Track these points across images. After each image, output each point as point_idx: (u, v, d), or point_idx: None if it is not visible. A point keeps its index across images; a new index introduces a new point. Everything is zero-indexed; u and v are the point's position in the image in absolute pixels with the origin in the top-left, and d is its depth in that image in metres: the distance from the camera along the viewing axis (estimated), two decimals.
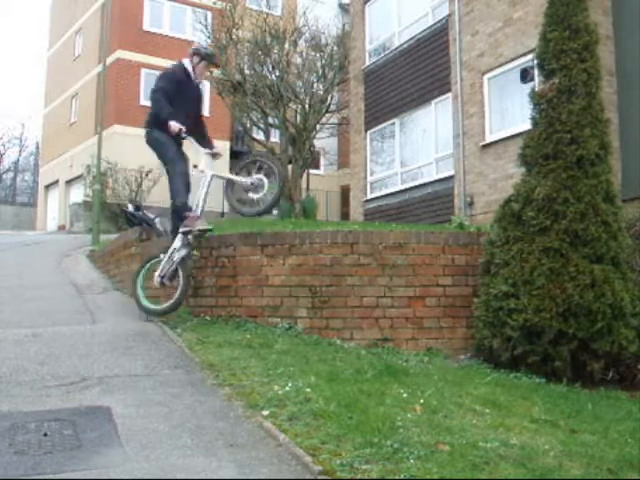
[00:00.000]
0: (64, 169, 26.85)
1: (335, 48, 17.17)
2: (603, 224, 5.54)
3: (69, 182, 26.92)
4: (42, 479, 2.91)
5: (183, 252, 6.14)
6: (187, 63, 6.42)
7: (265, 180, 6.21)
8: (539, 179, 5.74)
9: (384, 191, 14.87)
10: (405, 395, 4.16)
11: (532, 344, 5.41)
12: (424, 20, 14.12)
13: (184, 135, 6.07)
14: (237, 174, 6.44)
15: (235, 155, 22.38)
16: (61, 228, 25.49)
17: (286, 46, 17.06)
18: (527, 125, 6.33)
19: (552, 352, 5.33)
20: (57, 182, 28.20)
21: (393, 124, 14.94)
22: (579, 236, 5.49)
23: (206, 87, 22.95)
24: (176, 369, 4.65)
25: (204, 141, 6.45)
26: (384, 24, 15.56)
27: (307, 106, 16.90)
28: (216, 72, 17.29)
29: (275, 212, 6.61)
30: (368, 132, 15.73)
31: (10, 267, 10.00)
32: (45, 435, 3.36)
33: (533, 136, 5.97)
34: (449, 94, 13.05)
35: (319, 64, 17.24)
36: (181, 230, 6.13)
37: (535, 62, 6.37)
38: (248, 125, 20.33)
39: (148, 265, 6.46)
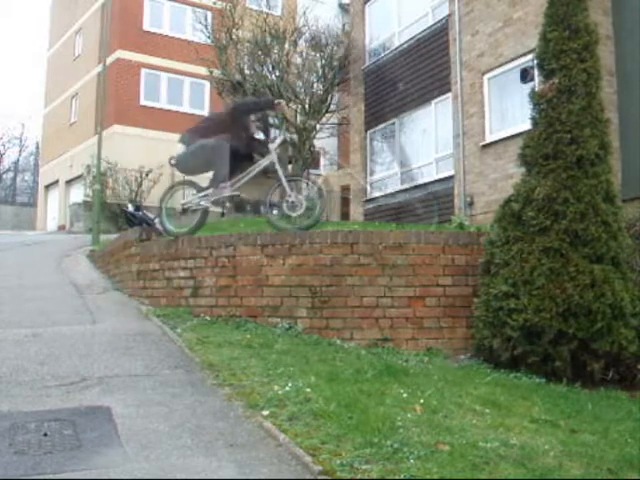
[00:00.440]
0: (64, 169, 26.82)
1: (335, 48, 17.16)
2: (603, 224, 5.54)
3: (69, 182, 26.89)
4: (42, 479, 2.92)
5: (207, 205, 7.04)
6: None
7: (304, 203, 6.77)
8: (539, 179, 5.74)
9: (384, 191, 14.88)
10: (405, 395, 4.16)
11: (532, 344, 5.40)
12: (424, 20, 14.12)
13: None
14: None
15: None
16: (61, 228, 25.48)
17: (286, 46, 17.04)
18: (527, 125, 6.33)
19: (552, 352, 5.33)
20: (57, 182, 28.17)
21: (393, 124, 14.94)
22: (579, 236, 5.49)
23: (206, 87, 22.98)
24: (176, 369, 4.65)
25: None
26: (384, 24, 15.57)
27: (307, 106, 16.88)
28: (216, 72, 17.29)
29: (275, 212, 6.75)
30: (368, 132, 15.74)
31: (10, 267, 10.00)
32: (45, 435, 3.37)
33: (533, 136, 5.97)
34: (449, 94, 13.05)
35: (319, 64, 17.22)
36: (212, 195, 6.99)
37: (535, 62, 6.36)
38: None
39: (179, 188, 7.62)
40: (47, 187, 29.74)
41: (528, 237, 5.62)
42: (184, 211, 7.27)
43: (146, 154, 21.63)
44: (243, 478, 2.94)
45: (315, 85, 17.26)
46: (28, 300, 7.16)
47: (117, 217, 19.67)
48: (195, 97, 24.82)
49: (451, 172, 12.83)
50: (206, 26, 18.28)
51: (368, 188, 15.42)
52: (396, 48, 14.87)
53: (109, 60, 19.31)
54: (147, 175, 21.47)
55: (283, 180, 6.76)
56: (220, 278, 6.56)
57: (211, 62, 17.10)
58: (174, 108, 24.36)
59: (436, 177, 13.33)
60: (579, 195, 5.57)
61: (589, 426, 3.99)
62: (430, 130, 13.74)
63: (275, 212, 7.07)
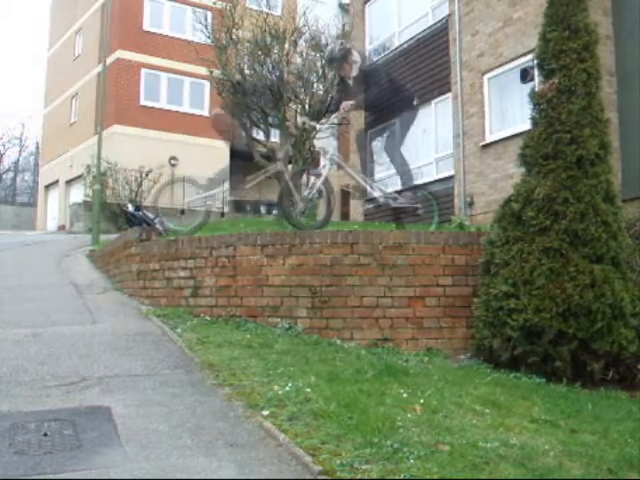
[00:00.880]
0: (64, 169, 26.83)
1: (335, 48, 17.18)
2: (603, 224, 5.54)
3: (69, 182, 26.90)
4: (42, 479, 2.92)
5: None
6: None
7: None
8: (539, 179, 5.74)
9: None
10: (405, 395, 4.16)
11: (532, 344, 5.40)
12: (424, 20, 14.11)
13: None
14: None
15: (235, 155, 22.36)
16: (61, 228, 25.48)
17: (286, 46, 17.02)
18: (527, 125, 6.32)
19: (552, 352, 5.33)
20: (57, 182, 28.18)
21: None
22: (579, 236, 5.48)
23: (206, 87, 22.97)
24: (176, 369, 4.66)
25: None
26: (384, 24, 15.56)
27: (307, 106, 16.88)
28: (216, 72, 17.27)
29: (275, 212, 6.96)
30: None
31: (10, 267, 10.01)
32: (45, 435, 3.37)
33: (533, 136, 5.97)
34: (449, 94, 13.04)
35: (319, 64, 17.21)
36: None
37: (535, 62, 6.36)
38: (248, 125, 20.30)
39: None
40: (47, 187, 29.76)
41: (528, 237, 5.62)
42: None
43: (146, 154, 21.65)
44: (243, 478, 2.95)
45: (315, 85, 17.26)
46: (28, 300, 7.16)
47: (117, 217, 19.67)
48: (195, 97, 24.84)
49: (451, 172, 12.81)
50: (206, 26, 18.26)
51: (368, 188, 15.41)
52: (396, 48, 14.86)
53: (109, 60, 19.31)
54: (147, 175, 21.48)
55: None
56: (220, 278, 6.56)
57: (211, 62, 17.08)
58: (174, 108, 24.38)
59: (436, 177, 13.31)
60: (579, 195, 5.57)
61: (589, 426, 3.99)
62: (430, 130, 13.72)
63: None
